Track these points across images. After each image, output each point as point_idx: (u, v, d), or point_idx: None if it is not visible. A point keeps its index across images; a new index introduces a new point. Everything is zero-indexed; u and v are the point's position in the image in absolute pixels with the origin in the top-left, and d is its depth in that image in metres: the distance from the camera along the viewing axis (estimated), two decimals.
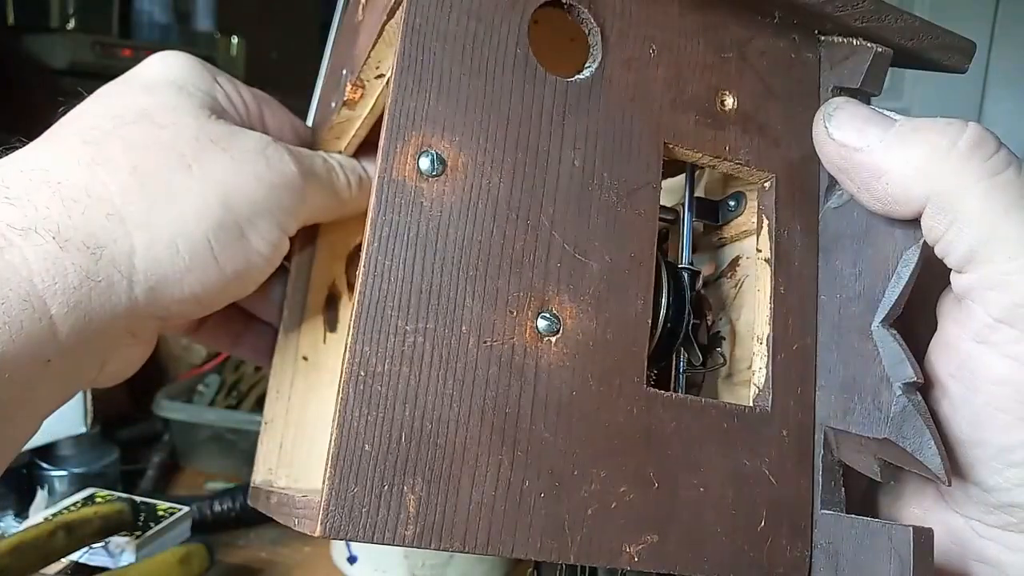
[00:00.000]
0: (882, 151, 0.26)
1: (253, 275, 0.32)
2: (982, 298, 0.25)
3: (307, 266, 0.43)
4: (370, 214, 0.25)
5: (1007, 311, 0.24)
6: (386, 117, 0.25)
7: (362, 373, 0.24)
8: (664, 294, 0.30)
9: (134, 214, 0.29)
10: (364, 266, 0.24)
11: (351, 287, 0.43)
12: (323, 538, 0.23)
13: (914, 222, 0.26)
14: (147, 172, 0.30)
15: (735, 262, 0.34)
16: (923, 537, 0.25)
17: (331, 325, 0.43)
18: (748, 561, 0.27)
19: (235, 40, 1.07)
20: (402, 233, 0.25)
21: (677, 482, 0.27)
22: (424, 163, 0.25)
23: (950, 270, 0.26)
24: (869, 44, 0.30)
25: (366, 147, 0.39)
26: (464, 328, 0.25)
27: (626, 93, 0.28)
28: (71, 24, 0.94)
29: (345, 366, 0.24)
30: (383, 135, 0.25)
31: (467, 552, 0.24)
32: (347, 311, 0.43)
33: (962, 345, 0.26)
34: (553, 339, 0.26)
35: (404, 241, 0.25)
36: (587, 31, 0.28)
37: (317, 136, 0.41)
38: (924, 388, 0.27)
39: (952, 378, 0.26)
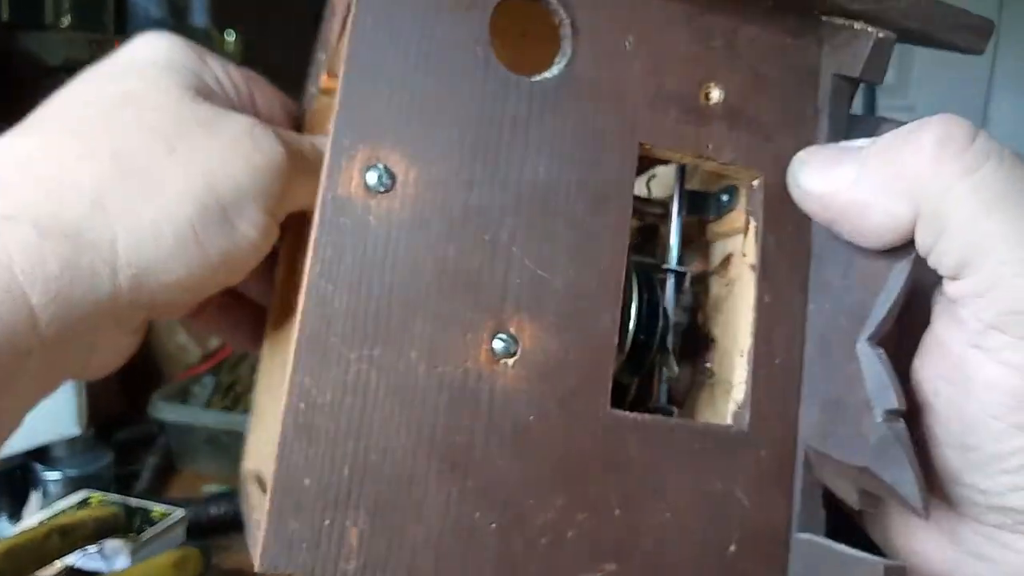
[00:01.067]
0: (858, 185, 0.25)
1: (240, 261, 0.32)
2: (974, 304, 0.24)
3: (294, 254, 0.42)
4: (312, 235, 0.23)
5: (998, 317, 0.24)
6: (332, 129, 0.24)
7: (302, 405, 0.23)
8: (634, 306, 0.29)
9: (116, 201, 0.28)
10: (306, 292, 0.23)
11: None
12: (261, 572, 0.22)
13: None
14: (128, 157, 0.29)
15: (727, 260, 0.32)
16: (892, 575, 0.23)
17: None
18: None
19: (231, 36, 1.07)
20: (347, 255, 0.23)
21: (641, 508, 0.25)
22: (372, 178, 0.24)
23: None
24: (870, 28, 0.28)
25: None
26: (413, 354, 0.24)
27: (598, 91, 0.26)
28: (65, 21, 0.94)
29: (285, 398, 0.23)
30: (328, 149, 0.24)
31: None
32: None
33: (955, 348, 0.25)
34: (510, 362, 0.25)
35: (349, 263, 0.23)
36: (557, 23, 0.26)
37: (302, 120, 0.40)
38: (916, 387, 0.26)
39: (944, 380, 0.26)
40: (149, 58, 0.33)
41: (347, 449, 0.23)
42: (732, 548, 0.26)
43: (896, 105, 1.18)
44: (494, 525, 0.24)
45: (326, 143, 0.36)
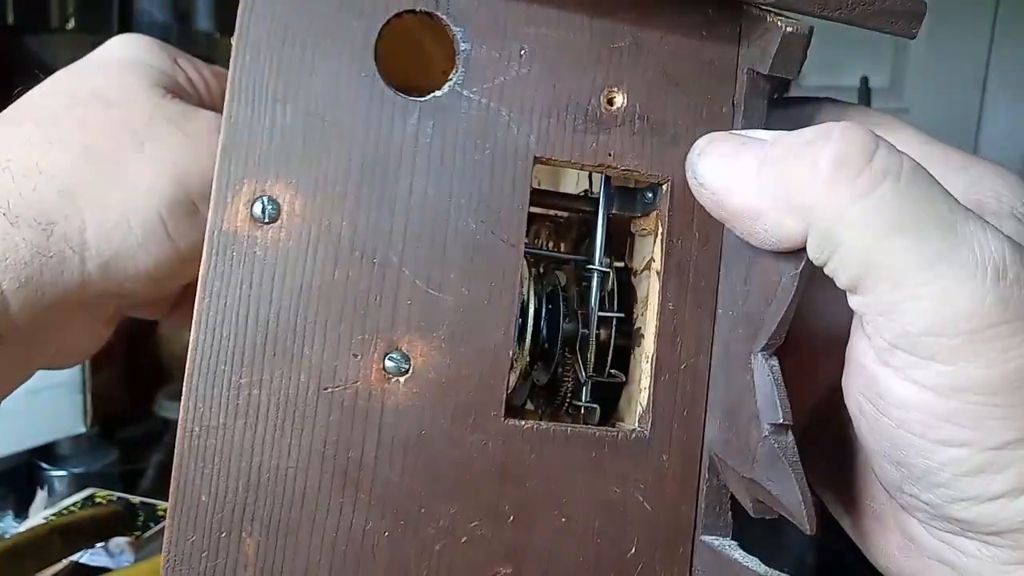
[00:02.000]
0: (752, 191, 0.24)
1: None
2: (874, 322, 0.24)
3: None
4: (201, 268, 0.24)
5: (899, 338, 0.23)
6: (216, 164, 0.25)
7: (196, 428, 0.24)
8: (531, 317, 0.30)
9: (85, 191, 0.29)
10: (195, 322, 0.24)
11: None
12: None
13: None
14: (99, 150, 0.30)
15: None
16: None
17: None
18: None
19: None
20: (235, 286, 0.24)
21: (535, 513, 0.26)
22: (257, 210, 0.24)
23: None
24: (780, 22, 0.26)
25: None
26: (303, 377, 0.25)
27: (490, 107, 0.26)
28: (71, 24, 0.94)
29: (180, 421, 0.24)
30: (214, 184, 0.24)
31: None
32: None
33: (867, 364, 0.24)
34: (401, 379, 0.25)
35: (237, 294, 0.24)
36: (452, 38, 0.26)
37: None
38: (847, 401, 0.26)
39: (863, 396, 0.25)
40: (121, 57, 0.33)
41: (240, 468, 0.24)
42: (632, 550, 0.27)
43: (891, 108, 1.18)
44: (387, 534, 0.25)
45: None
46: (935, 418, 0.23)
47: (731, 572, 0.26)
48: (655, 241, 0.29)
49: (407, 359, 0.25)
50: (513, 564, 0.26)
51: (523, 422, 0.27)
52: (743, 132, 0.26)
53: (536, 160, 0.27)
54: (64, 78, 0.33)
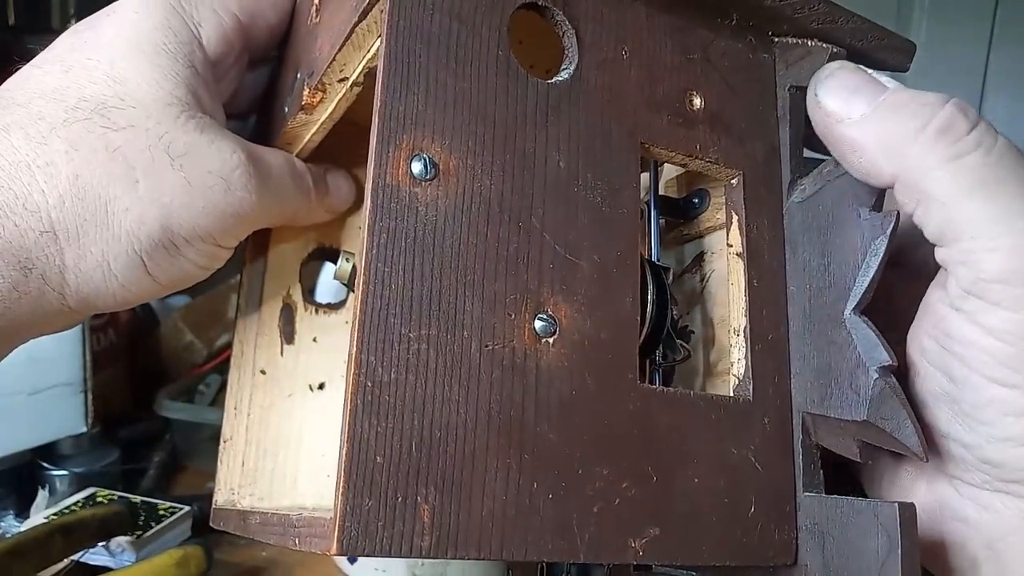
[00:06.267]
0: (860, 126, 0.28)
1: (189, 282, 0.32)
2: (954, 271, 0.26)
3: (260, 276, 0.43)
4: (366, 220, 0.24)
5: (973, 284, 0.26)
6: (375, 120, 0.25)
7: (369, 383, 0.23)
8: (649, 292, 0.31)
9: (67, 230, 0.29)
10: (364, 273, 0.24)
11: (306, 296, 0.43)
12: (338, 555, 0.22)
13: (880, 213, 0.28)
14: (88, 183, 0.29)
15: (700, 257, 0.35)
16: (907, 512, 0.25)
17: (288, 337, 0.42)
18: (742, 547, 0.28)
19: None
20: (399, 239, 0.25)
21: (673, 475, 0.27)
22: (416, 167, 0.25)
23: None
24: (824, 45, 0.31)
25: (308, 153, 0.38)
26: (466, 333, 0.25)
27: (602, 95, 0.29)
28: (72, 24, 0.94)
29: (351, 377, 0.23)
30: (373, 139, 0.25)
31: (481, 559, 0.24)
32: (303, 322, 0.43)
33: (940, 308, 0.27)
34: (551, 340, 0.26)
35: (402, 247, 0.25)
36: (561, 33, 0.28)
37: (279, 131, 0.40)
38: (908, 350, 0.29)
39: (930, 336, 0.28)
40: (139, 42, 0.31)
41: (412, 425, 0.24)
42: (752, 510, 0.28)
43: None
44: (551, 495, 0.25)
45: (292, 161, 0.36)
46: (993, 359, 0.26)
47: (852, 511, 0.27)
48: (729, 230, 0.32)
49: (554, 321, 0.26)
50: (660, 525, 0.27)
51: (654, 386, 0.28)
52: (868, 72, 0.30)
53: (641, 145, 0.29)
54: (67, 73, 0.31)
